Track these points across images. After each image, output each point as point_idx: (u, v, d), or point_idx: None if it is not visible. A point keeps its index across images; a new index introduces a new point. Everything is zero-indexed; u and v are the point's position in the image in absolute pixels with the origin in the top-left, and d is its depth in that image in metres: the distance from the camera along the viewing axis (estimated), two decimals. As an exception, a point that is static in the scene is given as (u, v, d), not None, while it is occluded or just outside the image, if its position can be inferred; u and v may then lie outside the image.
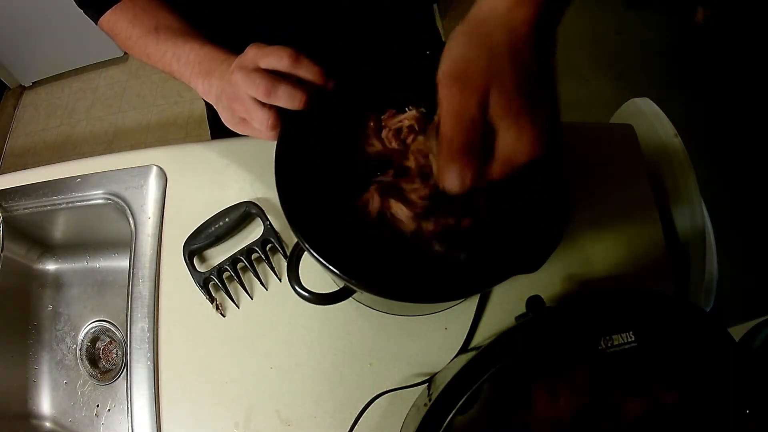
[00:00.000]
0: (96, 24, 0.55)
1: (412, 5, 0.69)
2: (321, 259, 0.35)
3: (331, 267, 0.34)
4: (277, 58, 0.41)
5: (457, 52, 0.30)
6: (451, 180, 0.30)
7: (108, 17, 0.54)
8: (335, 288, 0.41)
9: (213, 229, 0.56)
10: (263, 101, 0.41)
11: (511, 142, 0.29)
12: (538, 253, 0.35)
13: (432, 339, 0.52)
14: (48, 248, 0.74)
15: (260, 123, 0.41)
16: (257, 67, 0.41)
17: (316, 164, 0.40)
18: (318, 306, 0.51)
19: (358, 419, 0.47)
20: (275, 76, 0.41)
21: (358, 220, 0.39)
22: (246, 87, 0.41)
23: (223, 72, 0.45)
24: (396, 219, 0.38)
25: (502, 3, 0.30)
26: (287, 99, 0.40)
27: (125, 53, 2.00)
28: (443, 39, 0.87)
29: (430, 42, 0.69)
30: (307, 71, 0.41)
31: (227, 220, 0.56)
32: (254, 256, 0.56)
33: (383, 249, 0.38)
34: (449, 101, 0.29)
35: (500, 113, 0.29)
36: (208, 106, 0.75)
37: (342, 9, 0.59)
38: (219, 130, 0.77)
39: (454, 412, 0.33)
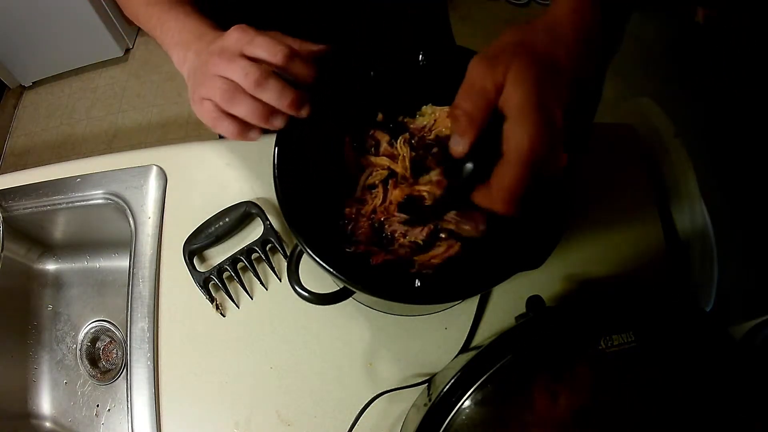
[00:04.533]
0: None
1: (426, 6, 0.69)
2: (319, 261, 0.35)
3: (329, 268, 0.34)
4: (268, 52, 0.38)
5: (502, 38, 0.32)
6: (455, 145, 0.32)
7: None
8: (335, 288, 0.41)
9: (213, 229, 0.56)
10: (249, 92, 0.38)
11: (515, 136, 0.29)
12: (540, 249, 0.35)
13: (432, 339, 0.52)
14: (48, 248, 0.74)
15: (250, 113, 0.38)
16: (241, 53, 0.38)
17: (315, 165, 0.40)
18: (318, 306, 0.51)
19: (358, 419, 0.47)
20: (265, 66, 0.38)
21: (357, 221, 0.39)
22: (230, 72, 0.37)
23: (201, 48, 0.41)
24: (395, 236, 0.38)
25: (563, 7, 0.32)
26: (276, 96, 0.37)
27: (125, 53, 2.00)
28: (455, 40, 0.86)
29: (439, 43, 0.69)
30: (300, 70, 0.39)
31: (227, 220, 0.56)
32: (254, 256, 0.56)
33: (381, 250, 0.38)
34: (469, 74, 0.31)
35: (511, 102, 0.29)
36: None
37: (355, 7, 0.59)
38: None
39: (454, 412, 0.33)
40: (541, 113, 0.29)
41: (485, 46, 0.32)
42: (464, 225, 0.37)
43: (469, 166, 0.33)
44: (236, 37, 0.38)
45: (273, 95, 0.37)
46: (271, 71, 0.38)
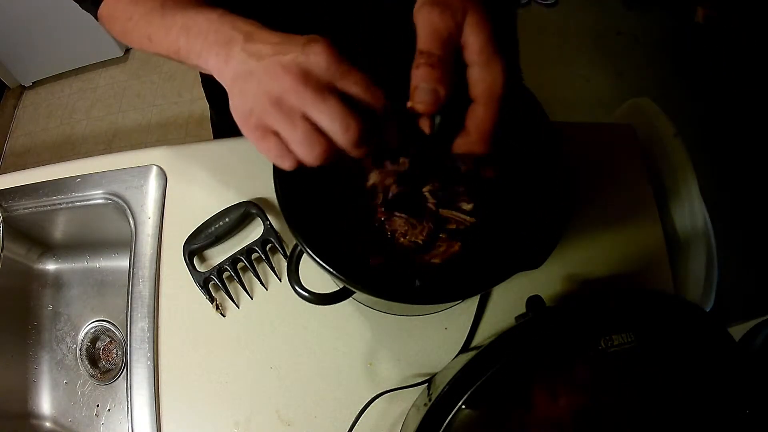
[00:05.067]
0: (96, 18, 0.52)
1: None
2: (319, 261, 0.35)
3: (329, 268, 0.34)
4: (369, 96, 0.31)
5: None
6: (424, 96, 0.31)
7: (107, 3, 0.48)
8: (335, 288, 0.41)
9: (213, 229, 0.56)
10: (342, 147, 0.31)
11: (487, 78, 0.31)
12: (540, 249, 0.35)
13: (432, 339, 0.52)
14: (48, 248, 0.74)
15: (329, 160, 0.32)
16: (332, 86, 0.31)
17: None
18: (318, 306, 0.51)
19: (358, 419, 0.47)
20: (366, 122, 0.31)
21: (357, 221, 0.39)
22: (320, 116, 0.30)
23: (260, 51, 0.33)
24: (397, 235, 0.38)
25: None
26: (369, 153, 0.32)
27: (125, 53, 2.00)
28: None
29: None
30: (391, 131, 0.33)
31: (227, 220, 0.56)
32: (254, 256, 0.56)
33: (381, 250, 0.38)
34: (429, 20, 0.31)
35: (474, 47, 0.31)
36: (212, 105, 0.75)
37: (356, 4, 0.58)
38: (221, 130, 0.77)
39: (454, 412, 0.33)
40: (502, 54, 0.31)
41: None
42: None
43: (438, 118, 0.32)
44: (326, 61, 0.30)
45: (365, 152, 0.32)
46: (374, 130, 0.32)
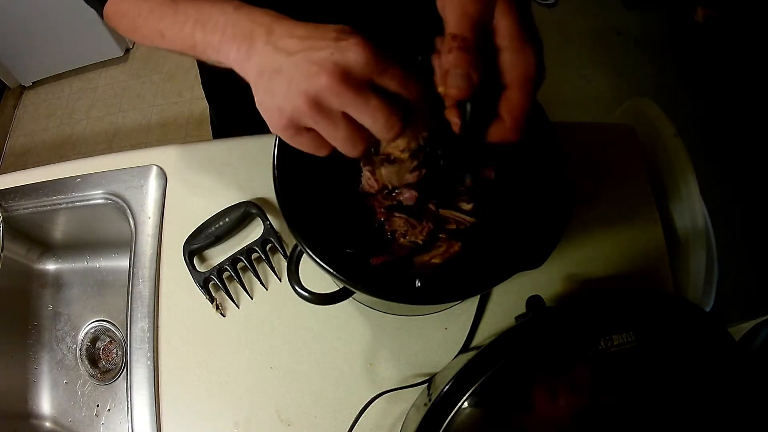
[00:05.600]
0: (101, 15, 0.51)
1: (419, 6, 0.68)
2: (319, 261, 0.35)
3: (329, 268, 0.34)
4: (408, 91, 0.31)
5: None
6: (458, 81, 0.30)
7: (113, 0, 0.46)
8: (335, 288, 0.41)
9: (213, 229, 0.56)
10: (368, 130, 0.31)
11: (521, 63, 0.30)
12: (540, 249, 0.35)
13: (432, 339, 0.52)
14: (48, 248, 0.74)
15: (356, 150, 0.32)
16: (370, 81, 0.30)
17: (315, 165, 0.40)
18: (318, 306, 0.51)
19: (358, 419, 0.47)
20: (400, 108, 0.31)
21: (357, 221, 0.39)
22: (361, 115, 0.30)
23: (288, 45, 0.31)
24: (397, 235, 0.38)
25: None
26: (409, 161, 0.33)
27: (125, 53, 2.00)
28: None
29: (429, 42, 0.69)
30: (423, 117, 0.33)
31: (227, 220, 0.56)
32: (254, 256, 0.56)
33: (381, 250, 0.38)
34: (460, 4, 0.30)
35: (505, 32, 0.30)
36: (211, 105, 0.75)
37: (353, 4, 0.58)
38: (221, 130, 0.77)
39: (454, 412, 0.33)
40: (534, 39, 0.31)
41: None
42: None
43: (469, 106, 0.32)
44: (364, 58, 0.29)
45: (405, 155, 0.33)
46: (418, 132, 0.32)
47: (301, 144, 0.32)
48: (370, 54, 0.29)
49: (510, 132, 0.32)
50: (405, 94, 0.31)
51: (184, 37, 0.38)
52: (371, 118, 0.30)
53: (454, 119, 0.32)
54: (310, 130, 0.32)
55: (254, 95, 0.33)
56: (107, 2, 0.47)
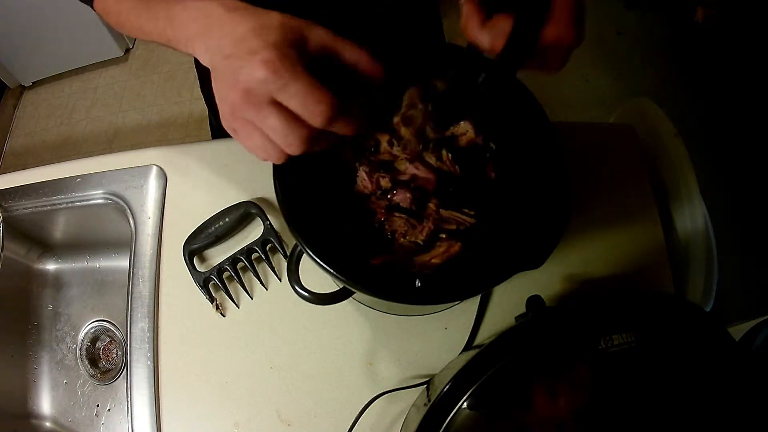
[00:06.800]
0: (93, 8, 0.52)
1: (417, 6, 0.69)
2: (319, 261, 0.35)
3: (329, 268, 0.34)
4: (306, 111, 0.31)
5: None
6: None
7: None
8: (335, 288, 0.41)
9: (213, 229, 0.56)
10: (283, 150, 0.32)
11: (556, 29, 0.31)
12: (540, 249, 0.35)
13: (432, 339, 0.52)
14: (48, 248, 0.74)
15: (266, 156, 0.33)
16: (271, 99, 0.31)
17: (315, 165, 0.40)
18: (318, 306, 0.51)
19: (358, 419, 0.47)
20: (299, 128, 0.31)
21: (357, 221, 0.39)
22: (262, 125, 0.31)
23: (224, 46, 0.32)
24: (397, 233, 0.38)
25: None
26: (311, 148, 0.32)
27: (125, 53, 2.00)
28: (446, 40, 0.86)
29: (433, 44, 0.69)
30: (342, 129, 0.33)
31: (227, 219, 0.56)
32: (254, 255, 0.56)
33: (381, 250, 0.38)
34: None
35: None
36: (210, 106, 0.75)
37: (347, 5, 0.58)
38: (220, 130, 0.77)
39: (454, 412, 0.33)
40: None
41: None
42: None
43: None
44: (262, 75, 0.30)
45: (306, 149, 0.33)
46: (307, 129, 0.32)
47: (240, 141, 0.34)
48: (268, 72, 0.29)
49: (564, 30, 0.32)
50: (303, 115, 0.31)
51: (160, 32, 0.40)
52: (271, 134, 0.31)
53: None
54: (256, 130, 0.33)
55: (217, 96, 0.35)
56: (95, 0, 0.48)
